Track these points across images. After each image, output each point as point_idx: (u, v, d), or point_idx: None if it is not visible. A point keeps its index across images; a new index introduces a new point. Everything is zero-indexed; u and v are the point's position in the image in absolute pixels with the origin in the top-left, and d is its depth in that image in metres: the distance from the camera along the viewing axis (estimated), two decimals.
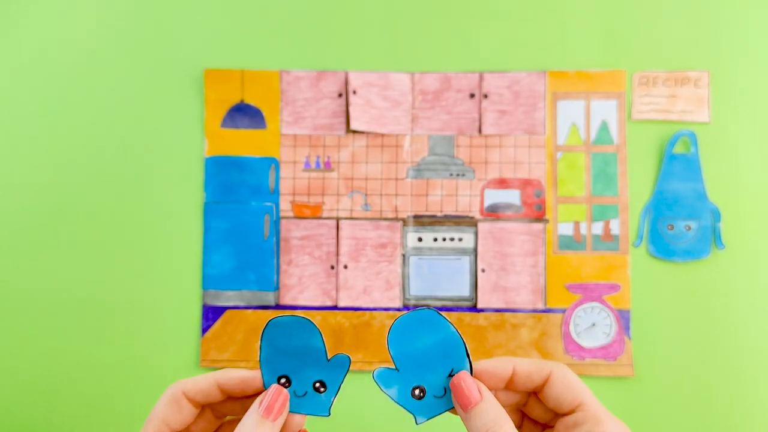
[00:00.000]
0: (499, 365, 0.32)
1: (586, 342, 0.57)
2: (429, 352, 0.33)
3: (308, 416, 0.33)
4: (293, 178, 0.59)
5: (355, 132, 0.59)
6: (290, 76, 0.59)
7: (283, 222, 0.59)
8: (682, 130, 0.58)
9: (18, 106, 0.59)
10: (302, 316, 0.33)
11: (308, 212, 0.59)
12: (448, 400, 0.33)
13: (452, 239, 0.58)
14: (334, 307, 0.58)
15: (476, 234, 0.58)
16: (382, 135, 0.59)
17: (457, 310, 0.58)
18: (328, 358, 0.33)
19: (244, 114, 0.59)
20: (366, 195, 0.59)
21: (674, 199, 0.58)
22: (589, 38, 0.59)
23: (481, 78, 0.59)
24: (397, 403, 0.33)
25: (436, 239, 0.58)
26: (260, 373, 0.33)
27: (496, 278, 0.58)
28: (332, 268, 0.58)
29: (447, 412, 0.33)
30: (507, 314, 0.57)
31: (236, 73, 0.59)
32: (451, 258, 0.58)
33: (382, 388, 0.33)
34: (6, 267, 0.58)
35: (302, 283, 0.58)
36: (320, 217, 0.59)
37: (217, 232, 0.58)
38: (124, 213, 0.59)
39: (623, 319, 0.57)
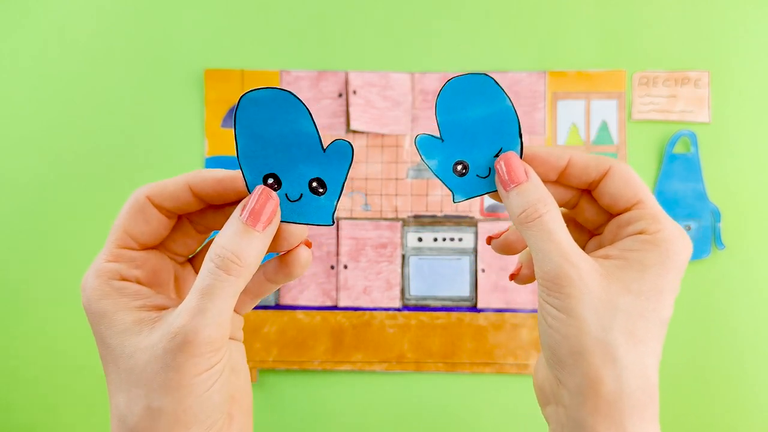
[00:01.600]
0: (554, 152, 0.29)
1: None
2: (479, 125, 0.28)
3: (308, 225, 0.27)
4: None
5: (355, 132, 0.59)
6: (290, 76, 0.59)
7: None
8: (682, 130, 0.58)
9: (18, 105, 0.59)
10: (283, 89, 0.26)
11: None
12: (491, 181, 0.29)
13: (452, 239, 0.58)
14: (334, 307, 0.58)
15: (476, 234, 0.58)
16: (382, 135, 0.59)
17: (457, 310, 0.58)
18: (324, 147, 0.27)
19: None
20: (366, 195, 0.59)
21: (674, 199, 0.58)
22: (589, 38, 0.59)
23: None
24: (436, 175, 0.29)
25: (436, 239, 0.58)
26: (241, 172, 0.27)
27: (496, 278, 0.58)
28: (332, 268, 0.58)
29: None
30: (507, 314, 0.57)
31: (236, 73, 0.59)
32: (451, 258, 0.58)
33: (423, 156, 0.28)
34: (6, 267, 0.58)
35: (302, 283, 0.58)
36: None
37: (217, 233, 0.58)
38: None
39: None
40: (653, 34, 0.59)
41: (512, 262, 0.58)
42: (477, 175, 0.29)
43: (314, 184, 0.27)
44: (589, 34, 0.59)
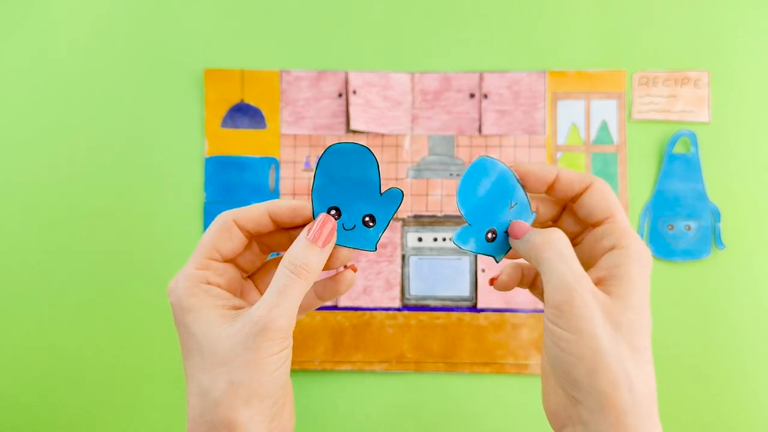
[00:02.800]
0: (544, 169, 0.33)
1: None
2: (490, 196, 0.34)
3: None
4: (293, 178, 0.59)
5: (355, 132, 0.59)
6: (290, 76, 0.59)
7: None
8: (682, 130, 0.58)
9: (18, 105, 0.59)
10: (362, 144, 0.33)
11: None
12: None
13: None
14: (334, 307, 0.58)
15: None
16: (382, 135, 0.59)
17: (457, 310, 0.58)
18: (381, 191, 0.33)
19: (244, 114, 0.59)
20: None
21: (674, 199, 0.58)
22: (589, 38, 0.59)
23: (481, 78, 0.59)
24: (479, 253, 0.35)
25: (436, 239, 0.58)
26: (311, 202, 0.33)
27: None
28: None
29: None
30: (507, 314, 0.57)
31: (236, 73, 0.59)
32: (451, 258, 0.58)
33: (463, 247, 0.34)
34: (4, 266, 0.58)
35: None
36: None
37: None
38: (124, 213, 0.59)
39: None
40: (653, 34, 0.59)
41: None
42: (504, 232, 0.35)
43: (367, 218, 0.34)
44: (589, 34, 0.59)
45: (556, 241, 0.30)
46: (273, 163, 0.59)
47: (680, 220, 0.57)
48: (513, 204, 0.34)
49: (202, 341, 0.30)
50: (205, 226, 0.58)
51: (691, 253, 0.57)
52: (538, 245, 0.31)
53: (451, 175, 0.58)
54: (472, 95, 0.59)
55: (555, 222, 0.36)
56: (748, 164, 0.57)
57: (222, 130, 0.59)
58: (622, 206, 0.32)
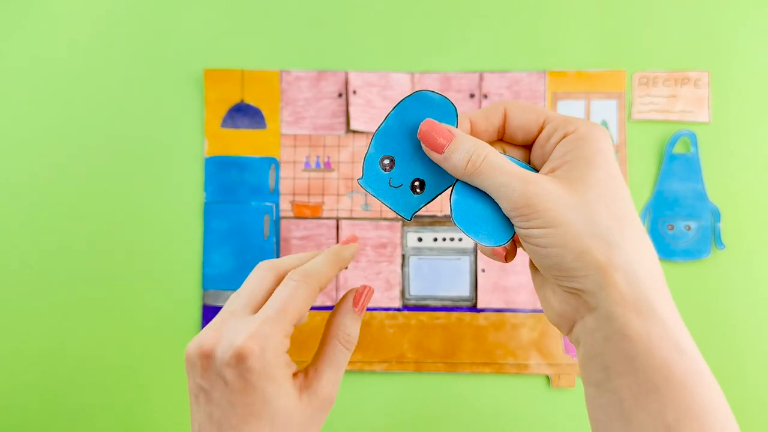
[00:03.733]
0: (452, 129, 0.31)
1: None
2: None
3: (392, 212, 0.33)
4: (293, 178, 0.59)
5: (355, 132, 0.59)
6: (290, 76, 0.59)
7: (283, 222, 0.59)
8: (682, 130, 0.58)
9: (18, 105, 0.59)
10: (450, 100, 0.30)
11: (308, 212, 0.59)
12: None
13: (452, 239, 0.58)
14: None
15: None
16: None
17: (457, 310, 0.58)
18: None
19: (244, 114, 0.59)
20: (366, 195, 0.59)
21: (674, 199, 0.58)
22: (589, 38, 0.59)
23: (481, 78, 0.59)
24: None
25: (436, 239, 0.58)
26: (369, 142, 0.31)
27: (496, 278, 0.58)
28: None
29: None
30: (507, 314, 0.57)
31: (236, 73, 0.59)
32: (451, 258, 0.58)
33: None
34: (5, 267, 0.58)
35: None
36: (320, 217, 0.59)
37: (217, 232, 0.58)
38: (124, 213, 0.59)
39: None
40: (653, 34, 0.59)
41: (512, 261, 0.58)
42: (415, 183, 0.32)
43: (416, 183, 0.31)
44: (589, 34, 0.59)
45: (482, 154, 0.29)
46: (273, 163, 0.59)
47: (680, 220, 0.57)
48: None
49: (278, 412, 0.31)
50: (205, 225, 0.58)
51: (691, 253, 0.57)
52: (469, 168, 0.29)
53: None
54: (472, 95, 0.59)
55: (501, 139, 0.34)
56: (748, 164, 0.57)
57: (222, 130, 0.59)
58: (549, 109, 0.31)
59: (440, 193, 0.31)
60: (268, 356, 0.31)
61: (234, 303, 0.33)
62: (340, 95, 0.59)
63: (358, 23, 0.59)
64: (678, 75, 0.58)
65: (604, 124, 0.58)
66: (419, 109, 0.30)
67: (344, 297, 0.35)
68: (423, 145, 0.30)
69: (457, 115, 0.30)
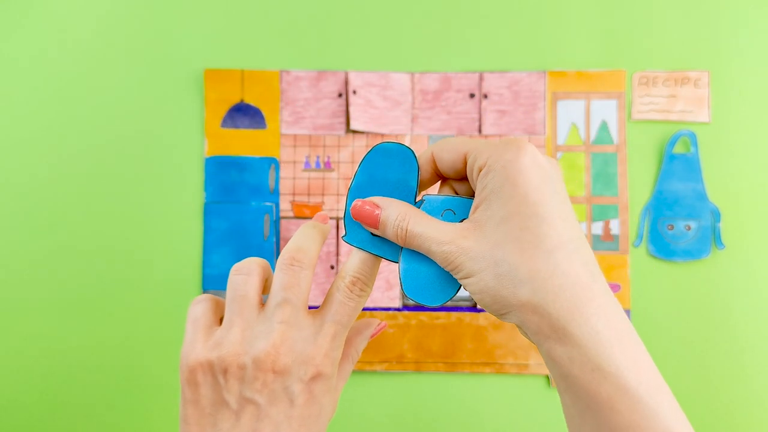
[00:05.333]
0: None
1: None
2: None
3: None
4: (293, 178, 0.59)
5: (355, 132, 0.59)
6: (290, 76, 0.59)
7: (283, 222, 0.59)
8: (682, 130, 0.58)
9: (18, 105, 0.59)
10: (407, 146, 0.33)
11: (308, 212, 0.59)
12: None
13: None
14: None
15: None
16: (382, 135, 0.59)
17: (457, 310, 0.58)
18: (416, 200, 0.33)
19: (244, 114, 0.59)
20: None
21: (674, 199, 0.58)
22: (589, 38, 0.59)
23: (481, 78, 0.59)
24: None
25: None
26: (346, 200, 0.33)
27: None
28: (332, 268, 0.58)
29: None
30: None
31: (236, 73, 0.59)
32: None
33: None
34: (5, 267, 0.58)
35: None
36: None
37: (217, 232, 0.58)
38: (124, 213, 0.59)
39: None
40: (653, 34, 0.59)
41: None
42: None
43: None
44: (589, 34, 0.59)
45: (404, 226, 0.31)
46: (273, 163, 0.59)
47: (680, 220, 0.57)
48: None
49: (325, 421, 0.33)
50: (205, 225, 0.58)
51: (691, 253, 0.57)
52: (401, 242, 0.31)
53: None
54: (472, 95, 0.59)
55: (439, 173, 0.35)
56: (748, 164, 0.57)
57: (222, 130, 0.59)
58: (470, 139, 0.32)
59: None
60: (335, 372, 0.33)
61: (286, 311, 0.32)
62: (340, 95, 0.59)
63: (358, 23, 0.59)
64: (678, 75, 0.58)
65: (604, 124, 0.58)
66: (383, 160, 0.33)
67: (365, 323, 0.38)
68: (365, 227, 0.33)
69: (415, 158, 0.32)
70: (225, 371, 0.30)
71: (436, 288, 0.32)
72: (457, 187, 0.34)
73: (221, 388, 0.30)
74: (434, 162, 0.33)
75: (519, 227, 0.28)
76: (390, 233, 0.31)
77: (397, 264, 0.33)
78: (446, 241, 0.30)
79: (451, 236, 0.30)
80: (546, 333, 0.27)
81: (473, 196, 0.32)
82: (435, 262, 0.31)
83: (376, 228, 0.32)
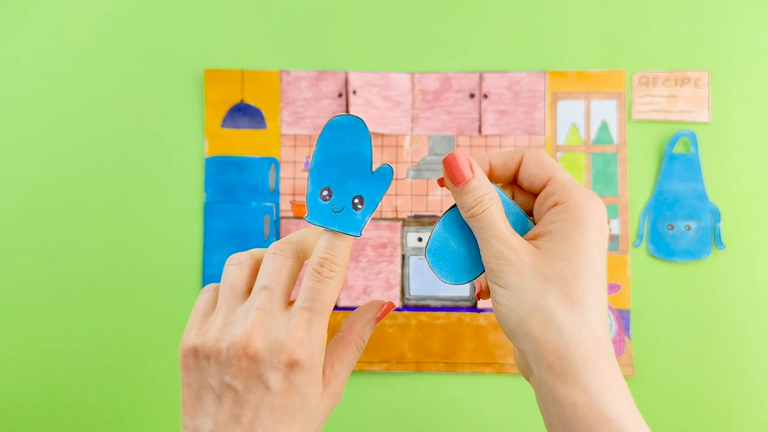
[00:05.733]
0: (476, 162, 0.34)
1: None
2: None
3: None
4: (293, 178, 0.59)
5: None
6: (290, 76, 0.59)
7: (283, 222, 0.59)
8: (682, 130, 0.58)
9: (17, 105, 0.59)
10: (356, 116, 0.33)
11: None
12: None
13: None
14: (335, 308, 0.58)
15: None
16: (382, 135, 0.59)
17: (457, 310, 0.58)
18: (373, 169, 0.33)
19: (244, 114, 0.59)
20: None
21: (674, 199, 0.58)
22: (589, 38, 0.59)
23: (481, 78, 0.59)
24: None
25: None
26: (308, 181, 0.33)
27: None
28: None
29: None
30: None
31: (236, 73, 0.59)
32: None
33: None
34: (4, 267, 0.58)
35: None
36: None
37: (217, 232, 0.58)
38: (124, 213, 0.59)
39: (623, 319, 0.57)
40: (653, 34, 0.59)
41: None
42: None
43: (356, 200, 0.32)
44: (589, 34, 0.59)
45: (486, 206, 0.32)
46: (273, 163, 0.59)
47: (680, 220, 0.57)
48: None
49: (310, 410, 0.32)
50: (205, 226, 0.58)
51: (691, 253, 0.57)
52: (470, 213, 0.32)
53: None
54: (472, 95, 0.59)
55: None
56: (748, 164, 0.57)
57: (222, 130, 0.59)
58: (560, 165, 0.33)
59: (379, 201, 0.33)
60: (316, 361, 0.31)
61: (263, 296, 0.32)
62: (340, 95, 0.59)
63: (358, 23, 0.59)
64: (678, 75, 0.58)
65: (604, 124, 0.58)
66: (337, 135, 0.33)
67: (368, 306, 0.37)
68: (444, 171, 0.33)
69: (366, 127, 0.32)
70: (207, 357, 0.31)
71: (456, 268, 0.34)
72: (518, 196, 0.36)
73: (206, 373, 0.31)
74: (519, 165, 0.34)
75: (572, 275, 0.30)
76: (467, 201, 0.32)
77: (356, 237, 0.33)
78: (510, 245, 0.31)
79: (516, 244, 0.31)
80: (557, 372, 0.29)
81: (528, 213, 0.35)
82: (468, 245, 0.33)
83: (455, 185, 0.32)
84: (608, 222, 0.58)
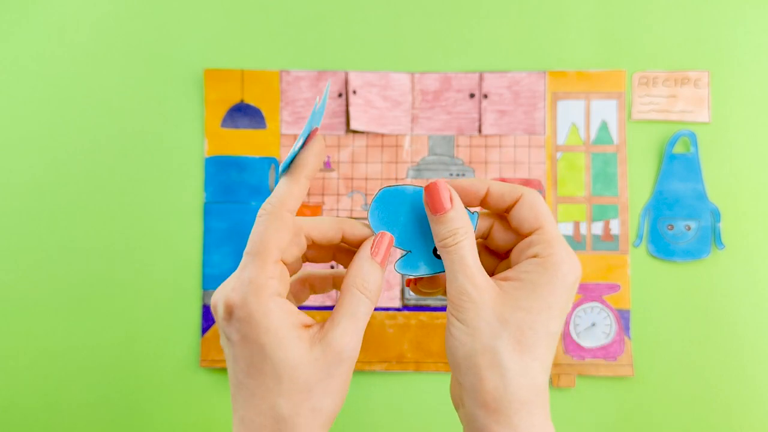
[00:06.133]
0: (475, 184, 0.34)
1: (586, 342, 0.57)
2: (414, 219, 0.34)
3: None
4: None
5: (355, 132, 0.59)
6: (290, 76, 0.59)
7: None
8: (682, 130, 0.58)
9: (17, 105, 0.59)
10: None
11: (308, 212, 0.59)
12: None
13: None
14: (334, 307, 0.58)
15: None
16: (382, 135, 0.59)
17: None
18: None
19: (244, 114, 0.59)
20: (366, 195, 0.59)
21: (674, 199, 0.58)
22: (589, 38, 0.59)
23: (481, 78, 0.59)
24: (435, 273, 0.35)
25: None
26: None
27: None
28: (332, 268, 0.58)
29: None
30: None
31: (236, 73, 0.59)
32: None
33: (415, 274, 0.35)
34: (4, 267, 0.58)
35: None
36: None
37: (217, 232, 0.58)
38: (124, 213, 0.59)
39: (623, 319, 0.57)
40: (653, 34, 0.59)
41: None
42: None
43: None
44: (589, 34, 0.59)
45: (459, 239, 0.32)
46: (273, 163, 0.59)
47: (680, 220, 0.57)
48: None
49: (281, 366, 0.29)
50: (205, 225, 0.58)
51: (691, 253, 0.57)
52: (443, 243, 0.32)
53: (451, 175, 0.58)
54: (472, 95, 0.59)
55: (485, 239, 0.36)
56: (748, 164, 0.57)
57: (222, 130, 0.59)
58: (552, 217, 0.33)
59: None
60: (252, 305, 0.29)
61: (244, 259, 0.32)
62: (340, 95, 0.59)
63: (358, 23, 0.59)
64: (678, 75, 0.58)
65: (604, 124, 0.58)
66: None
67: (361, 246, 0.34)
68: (424, 198, 0.33)
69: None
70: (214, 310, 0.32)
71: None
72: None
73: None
74: (515, 203, 0.34)
75: (529, 327, 0.30)
76: (441, 231, 0.32)
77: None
78: (474, 282, 0.31)
79: (481, 282, 0.31)
80: (491, 411, 0.30)
81: (504, 251, 0.35)
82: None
83: (434, 214, 0.33)
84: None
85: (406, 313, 0.58)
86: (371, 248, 0.33)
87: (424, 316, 0.58)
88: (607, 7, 0.59)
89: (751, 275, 0.57)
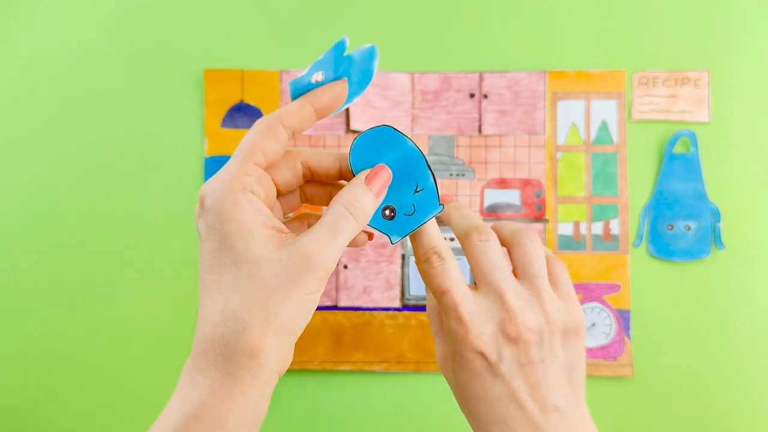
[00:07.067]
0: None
1: (586, 342, 0.57)
2: (393, 171, 0.33)
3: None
4: None
5: (355, 132, 0.59)
6: (290, 76, 0.59)
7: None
8: (682, 130, 0.58)
9: (17, 105, 0.59)
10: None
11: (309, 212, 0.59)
12: (418, 216, 0.33)
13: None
14: (334, 307, 0.58)
15: None
16: None
17: None
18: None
19: (244, 114, 0.59)
20: None
21: (674, 199, 0.58)
22: (589, 38, 0.59)
23: (481, 78, 0.59)
24: (372, 228, 0.33)
25: None
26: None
27: None
28: None
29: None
30: None
31: (236, 73, 0.59)
32: None
33: (405, 233, 0.34)
34: (4, 267, 0.58)
35: None
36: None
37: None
38: (124, 213, 0.59)
39: (623, 319, 0.57)
40: (653, 34, 0.59)
41: None
42: (404, 214, 0.33)
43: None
44: (589, 34, 0.59)
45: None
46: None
47: (680, 220, 0.57)
48: (419, 189, 0.33)
49: (242, 259, 0.28)
50: None
51: (691, 253, 0.57)
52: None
53: (451, 175, 0.58)
54: (472, 95, 0.59)
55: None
56: (748, 164, 0.57)
57: (222, 130, 0.59)
58: (540, 263, 0.34)
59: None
60: (220, 193, 0.29)
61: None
62: None
63: (357, 23, 0.59)
64: (678, 75, 0.58)
65: (604, 124, 0.58)
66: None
67: (356, 175, 0.33)
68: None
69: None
70: None
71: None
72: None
73: None
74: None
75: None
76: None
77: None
78: (463, 293, 0.34)
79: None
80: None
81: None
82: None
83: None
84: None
85: (406, 313, 0.58)
86: (367, 176, 0.32)
87: (424, 316, 0.58)
88: (607, 7, 0.59)
89: (751, 275, 0.57)
